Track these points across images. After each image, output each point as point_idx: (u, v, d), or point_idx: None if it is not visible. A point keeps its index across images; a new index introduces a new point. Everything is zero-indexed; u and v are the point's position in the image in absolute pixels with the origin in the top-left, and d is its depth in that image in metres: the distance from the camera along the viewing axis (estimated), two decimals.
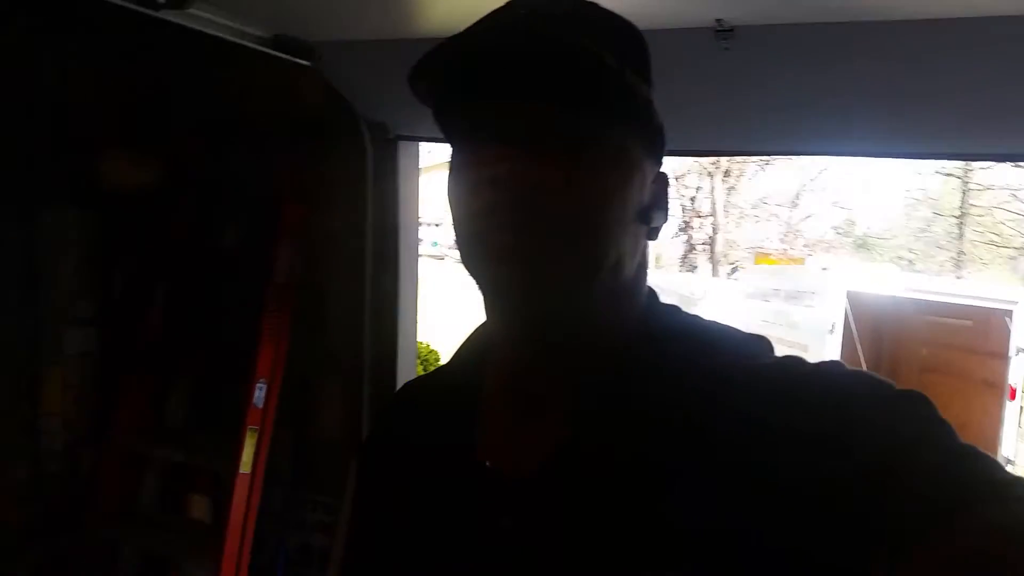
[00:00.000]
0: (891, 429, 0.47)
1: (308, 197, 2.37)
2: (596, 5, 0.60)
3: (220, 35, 1.67)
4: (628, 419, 0.56)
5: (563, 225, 0.54)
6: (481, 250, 0.56)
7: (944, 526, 0.42)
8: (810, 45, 1.28)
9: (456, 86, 0.57)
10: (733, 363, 0.56)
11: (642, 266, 0.63)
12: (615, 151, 0.56)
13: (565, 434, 0.58)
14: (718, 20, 1.31)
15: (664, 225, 0.64)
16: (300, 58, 1.88)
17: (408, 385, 0.79)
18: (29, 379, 2.31)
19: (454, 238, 0.61)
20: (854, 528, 0.44)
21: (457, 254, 0.60)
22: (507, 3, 0.59)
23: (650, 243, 0.64)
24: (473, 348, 0.70)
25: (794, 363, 0.56)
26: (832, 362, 0.55)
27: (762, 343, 0.60)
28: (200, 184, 2.51)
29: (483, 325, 0.69)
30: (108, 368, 2.54)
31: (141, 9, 1.48)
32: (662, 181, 0.64)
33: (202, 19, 1.57)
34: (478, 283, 0.59)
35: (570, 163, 0.54)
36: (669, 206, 0.65)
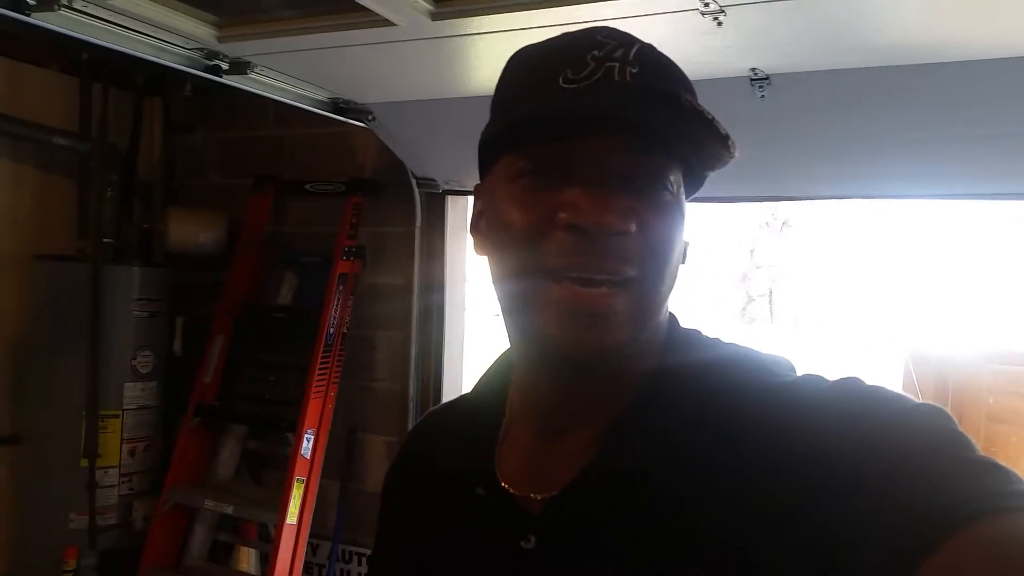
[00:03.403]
0: (905, 442, 0.47)
1: (359, 252, 2.45)
2: (655, 49, 0.59)
3: (280, 99, 1.77)
4: (651, 442, 0.56)
5: (636, 270, 0.55)
6: (544, 298, 0.55)
7: (952, 540, 0.41)
8: (844, 90, 1.30)
9: (573, 124, 0.56)
10: (754, 384, 0.57)
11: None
12: (673, 195, 0.57)
13: (589, 457, 0.58)
14: (753, 69, 1.35)
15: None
16: (355, 119, 1.98)
17: (432, 411, 0.80)
18: (89, 431, 2.40)
19: (498, 277, 0.60)
20: (862, 541, 0.44)
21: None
22: (570, 39, 0.59)
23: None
24: (497, 374, 0.71)
25: (813, 382, 0.56)
26: (851, 378, 0.55)
27: (782, 363, 0.60)
28: (256, 242, 2.61)
29: (507, 352, 0.70)
30: (165, 421, 2.63)
31: (206, 75, 1.59)
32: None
33: (264, 83, 1.68)
34: (527, 329, 0.58)
35: (642, 208, 0.55)
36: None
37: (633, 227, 0.54)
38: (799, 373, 0.59)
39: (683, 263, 0.62)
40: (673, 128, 0.54)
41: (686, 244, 0.61)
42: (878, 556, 0.43)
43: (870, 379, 0.54)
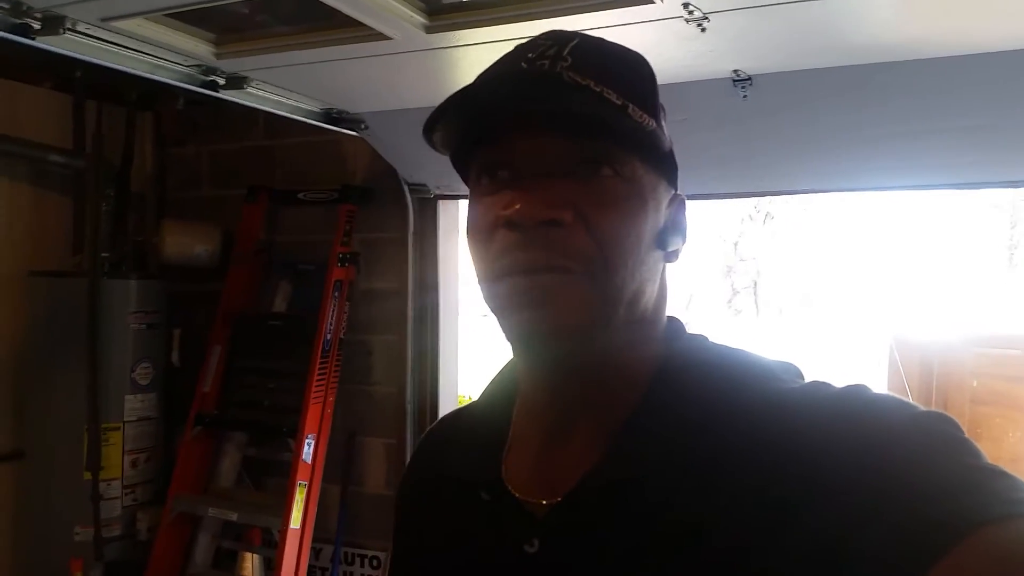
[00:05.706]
0: (911, 450, 0.47)
1: (353, 258, 2.49)
2: (602, 41, 0.60)
3: (274, 111, 1.81)
4: (654, 448, 0.56)
5: (579, 261, 0.54)
6: (500, 293, 0.57)
7: (960, 547, 0.41)
8: (823, 88, 1.36)
9: (465, 132, 0.58)
10: (758, 390, 0.56)
11: (662, 290, 0.63)
12: (624, 181, 0.56)
13: (591, 463, 0.58)
14: (735, 71, 1.40)
15: (683, 247, 0.63)
16: (348, 128, 2.01)
17: (442, 419, 0.80)
18: (92, 444, 2.42)
19: (477, 281, 0.60)
20: (868, 546, 0.44)
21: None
22: (516, 48, 0.61)
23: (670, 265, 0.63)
24: (504, 381, 0.71)
25: (818, 389, 0.56)
26: (857, 386, 0.54)
27: (789, 369, 0.59)
28: (251, 252, 2.64)
29: (513, 359, 0.69)
30: (165, 432, 2.65)
31: (203, 91, 1.62)
32: (679, 203, 0.64)
33: (259, 97, 1.71)
34: (500, 325, 0.59)
35: (582, 197, 0.55)
36: (687, 228, 0.64)
37: (566, 216, 0.54)
38: (806, 380, 0.58)
39: (670, 259, 0.62)
40: (586, 110, 0.54)
41: (666, 232, 0.60)
42: (885, 561, 0.43)
43: (874, 385, 0.54)
